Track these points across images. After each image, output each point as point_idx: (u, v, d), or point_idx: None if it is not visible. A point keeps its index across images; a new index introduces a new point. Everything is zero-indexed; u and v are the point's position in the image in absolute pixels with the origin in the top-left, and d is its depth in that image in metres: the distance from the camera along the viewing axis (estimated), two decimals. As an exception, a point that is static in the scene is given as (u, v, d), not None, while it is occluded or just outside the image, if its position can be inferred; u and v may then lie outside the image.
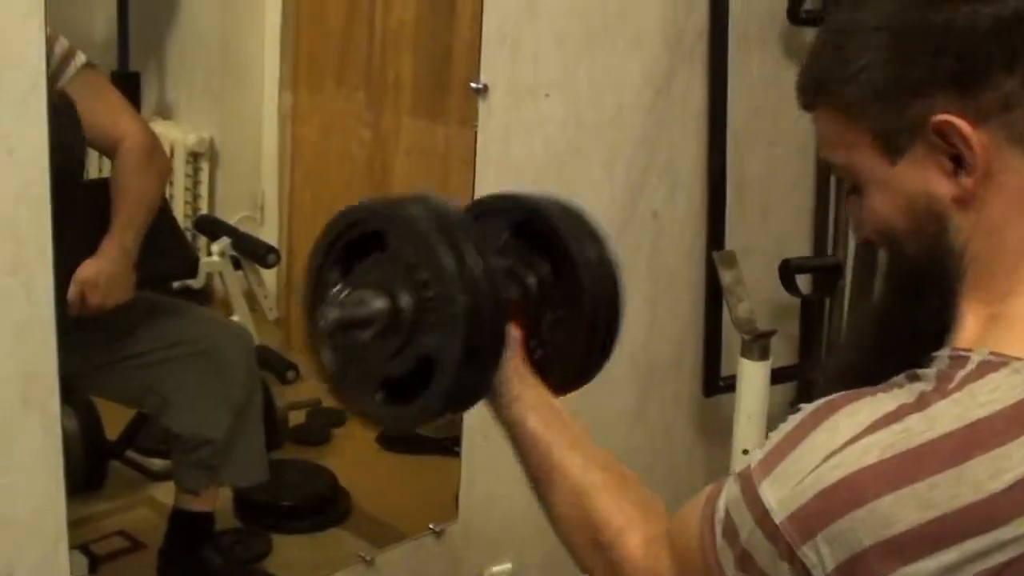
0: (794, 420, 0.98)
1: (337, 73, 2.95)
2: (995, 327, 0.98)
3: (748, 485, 0.96)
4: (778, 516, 0.94)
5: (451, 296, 1.13)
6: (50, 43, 1.85)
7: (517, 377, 1.22)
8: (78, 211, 1.98)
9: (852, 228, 1.15)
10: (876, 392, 0.96)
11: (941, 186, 1.00)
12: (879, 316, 1.12)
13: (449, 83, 2.70)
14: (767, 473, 0.96)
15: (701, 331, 2.59)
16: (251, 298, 3.01)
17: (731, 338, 2.52)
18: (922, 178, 1.00)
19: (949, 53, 0.98)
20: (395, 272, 1.16)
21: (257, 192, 3.18)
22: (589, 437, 1.20)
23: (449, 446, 2.54)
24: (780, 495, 0.94)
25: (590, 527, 1.13)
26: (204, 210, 3.14)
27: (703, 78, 2.45)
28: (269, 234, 3.11)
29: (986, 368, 0.94)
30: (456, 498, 2.31)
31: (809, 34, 2.52)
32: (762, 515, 0.95)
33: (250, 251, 2.93)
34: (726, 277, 2.38)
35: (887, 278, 1.10)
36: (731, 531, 0.98)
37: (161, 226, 2.23)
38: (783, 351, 2.65)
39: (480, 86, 2.07)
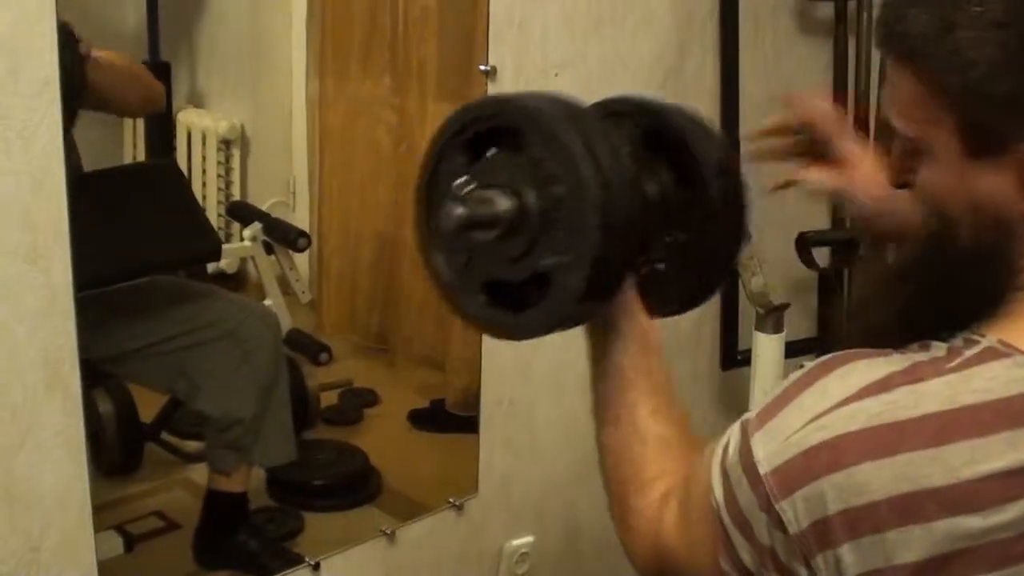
0: (792, 377, 1.00)
1: (362, 59, 2.97)
2: (1020, 323, 0.97)
3: (744, 435, 1.00)
4: (763, 468, 0.96)
5: (583, 208, 1.04)
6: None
7: (624, 311, 1.16)
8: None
9: (887, 172, 1.09)
10: (874, 356, 0.97)
11: (1017, 200, 0.96)
12: (913, 285, 1.05)
13: (471, 67, 2.73)
14: (760, 427, 0.99)
15: (718, 307, 2.61)
16: (284, 282, 3.05)
17: (748, 313, 2.54)
18: (998, 184, 0.96)
19: None
20: (524, 172, 1.07)
21: (288, 178, 3.21)
22: (670, 389, 1.18)
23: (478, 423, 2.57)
24: (767, 449, 0.97)
25: (629, 466, 1.16)
26: (236, 196, 3.17)
27: (715, 56, 2.46)
28: (302, 219, 3.14)
29: (989, 355, 0.93)
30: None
31: (822, 8, 2.52)
32: (750, 464, 0.98)
33: (281, 236, 2.95)
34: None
35: (926, 248, 1.03)
36: (726, 474, 1.01)
37: (182, 209, 2.26)
38: (803, 324, 2.66)
39: (488, 68, 2.09)
